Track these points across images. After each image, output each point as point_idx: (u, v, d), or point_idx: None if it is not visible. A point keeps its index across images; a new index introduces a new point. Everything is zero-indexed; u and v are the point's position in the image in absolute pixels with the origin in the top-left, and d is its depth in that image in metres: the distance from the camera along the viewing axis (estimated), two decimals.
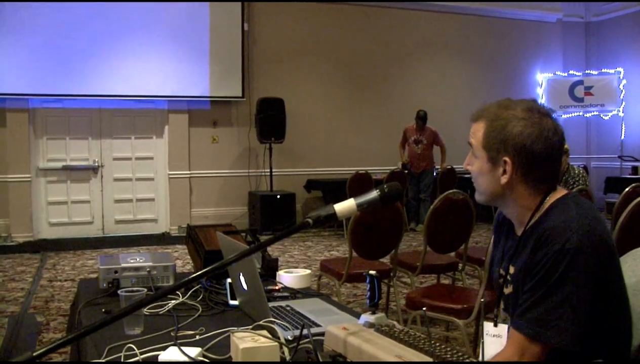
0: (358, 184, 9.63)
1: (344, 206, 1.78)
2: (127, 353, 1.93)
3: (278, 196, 10.39)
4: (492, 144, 1.85)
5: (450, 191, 4.97)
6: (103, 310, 2.53)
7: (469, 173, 1.98)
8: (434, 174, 10.82)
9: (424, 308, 2.36)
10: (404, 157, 10.79)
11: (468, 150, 1.96)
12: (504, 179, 1.85)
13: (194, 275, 1.51)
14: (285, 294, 2.76)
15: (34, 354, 1.23)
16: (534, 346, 1.72)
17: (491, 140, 1.86)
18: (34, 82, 9.78)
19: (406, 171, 10.67)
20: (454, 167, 10.65)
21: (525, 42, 13.20)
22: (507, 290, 1.92)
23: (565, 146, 4.99)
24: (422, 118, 10.54)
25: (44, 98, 10.00)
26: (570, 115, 13.50)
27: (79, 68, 9.94)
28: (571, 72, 13.58)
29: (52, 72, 9.84)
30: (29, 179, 9.97)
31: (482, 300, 2.99)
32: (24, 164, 9.93)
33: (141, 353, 1.93)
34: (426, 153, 10.72)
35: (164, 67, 10.36)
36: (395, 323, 1.90)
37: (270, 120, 10.49)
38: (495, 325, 2.00)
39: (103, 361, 1.94)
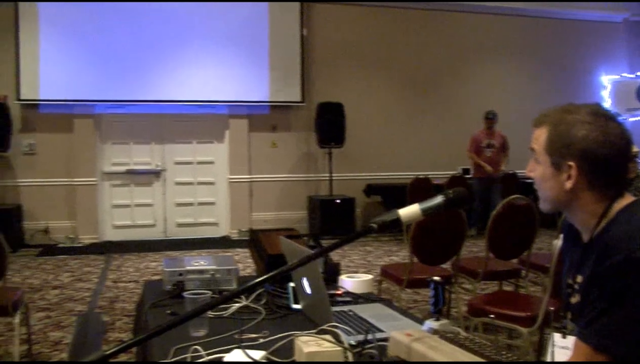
0: (418, 189, 9.58)
1: (409, 211, 1.77)
2: (194, 354, 1.96)
3: (337, 201, 10.40)
4: (555, 149, 1.82)
5: (513, 196, 4.91)
6: (168, 312, 2.57)
7: (532, 179, 1.95)
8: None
9: (492, 316, 2.33)
10: (487, 166, 10.13)
11: (530, 155, 1.93)
12: (568, 184, 1.81)
13: (260, 279, 1.52)
14: (348, 299, 2.76)
15: (107, 353, 1.26)
16: (600, 358, 1.67)
17: (555, 145, 1.82)
18: (99, 89, 10.03)
19: (468, 176, 10.56)
20: (516, 171, 10.49)
21: (589, 43, 12.86)
22: (574, 300, 1.88)
23: (635, 149, 4.87)
24: (494, 116, 10.17)
25: (109, 104, 10.24)
26: (638, 118, 13.15)
27: (142, 75, 10.17)
28: (638, 73, 13.22)
29: (116, 79, 10.09)
30: (94, 182, 10.23)
31: (551, 308, 2.93)
32: (90, 168, 10.19)
33: (206, 355, 1.96)
34: (498, 158, 10.26)
35: (224, 72, 10.49)
36: (459, 329, 1.88)
37: (330, 125, 10.51)
38: (564, 337, 1.96)
39: (171, 361, 1.97)
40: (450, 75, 11.89)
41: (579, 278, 1.84)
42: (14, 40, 9.74)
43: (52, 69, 9.85)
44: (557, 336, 1.98)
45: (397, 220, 1.74)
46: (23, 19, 9.75)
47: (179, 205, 10.74)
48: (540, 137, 1.87)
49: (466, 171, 10.95)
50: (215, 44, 10.46)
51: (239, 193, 10.79)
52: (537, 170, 1.89)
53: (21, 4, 9.73)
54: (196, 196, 10.81)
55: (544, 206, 1.92)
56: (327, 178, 10.75)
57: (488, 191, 10.21)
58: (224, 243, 10.13)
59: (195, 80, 10.32)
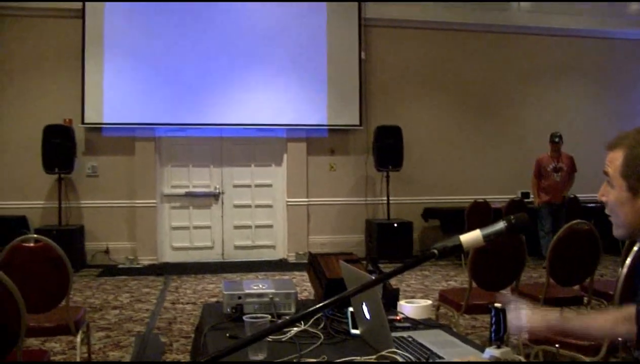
0: (476, 213, 9.48)
1: (470, 237, 1.75)
2: None
3: (395, 225, 10.35)
4: (632, 172, 1.77)
5: (575, 221, 4.82)
6: (228, 335, 2.58)
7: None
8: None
9: (557, 345, 2.29)
10: (537, 197, 9.92)
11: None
12: None
13: (321, 304, 1.52)
14: (407, 324, 2.73)
15: None
16: None
17: (632, 169, 1.77)
18: (160, 112, 10.24)
19: (527, 200, 10.39)
20: (578, 196, 10.28)
21: None
22: None
23: None
24: (560, 139, 9.73)
25: (169, 127, 10.43)
26: None
27: (201, 99, 10.33)
28: None
29: (176, 103, 10.28)
30: (154, 204, 10.39)
31: (619, 338, 2.84)
32: (150, 190, 10.36)
33: None
34: (566, 182, 9.83)
35: (283, 96, 10.57)
36: (521, 358, 1.85)
37: (388, 148, 10.48)
38: None
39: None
40: (509, 97, 11.76)
41: None
42: (80, 67, 10.03)
43: (115, 93, 10.10)
44: None
45: (459, 246, 1.72)
46: (89, 45, 10.05)
47: (237, 227, 10.82)
48: (615, 160, 1.82)
49: (525, 195, 10.78)
50: (274, 68, 10.57)
51: (296, 216, 10.83)
52: (610, 195, 1.84)
53: (88, 33, 10.03)
54: (254, 219, 10.89)
55: (617, 232, 1.87)
56: (385, 201, 10.71)
57: (556, 217, 9.76)
58: (281, 266, 10.16)
59: (254, 103, 10.43)
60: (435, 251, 1.69)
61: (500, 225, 1.77)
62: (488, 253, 4.51)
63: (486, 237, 1.75)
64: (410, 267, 1.73)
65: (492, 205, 9.87)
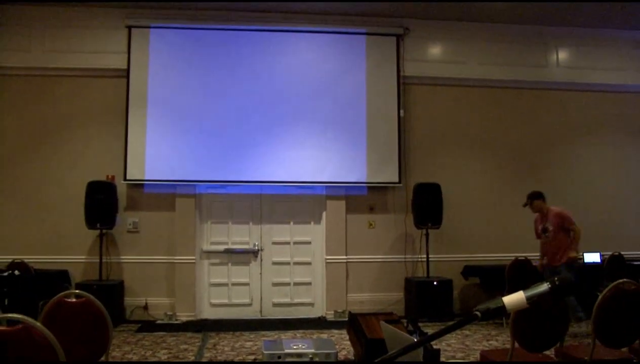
0: (517, 271, 9.35)
1: (513, 299, 1.73)
2: None
3: (435, 283, 10.23)
4: None
5: (620, 280, 4.72)
6: None
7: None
8: (574, 267, 8.83)
9: None
10: (540, 259, 9.21)
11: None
12: None
13: None
14: None
15: None
16: None
17: None
18: (200, 170, 10.37)
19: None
20: (622, 253, 10.07)
21: None
22: None
23: None
24: (527, 199, 9.07)
25: (210, 184, 10.55)
26: None
27: (241, 156, 10.43)
28: None
29: (216, 160, 10.41)
30: (193, 261, 10.44)
31: None
32: (189, 246, 10.43)
33: None
34: (557, 243, 8.85)
35: (322, 153, 10.64)
36: None
37: (427, 206, 10.45)
38: None
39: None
40: (549, 154, 11.66)
41: None
42: (123, 124, 10.28)
43: (157, 151, 10.29)
44: None
45: (502, 308, 1.70)
46: (132, 104, 10.31)
47: (276, 284, 10.80)
48: None
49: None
50: (314, 126, 10.67)
51: (335, 273, 10.77)
52: None
53: (132, 92, 10.29)
54: (292, 276, 10.86)
55: None
56: (424, 259, 10.62)
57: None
58: (319, 323, 10.06)
59: (294, 161, 10.52)
60: (478, 313, 1.67)
61: (544, 286, 1.74)
62: (530, 313, 4.43)
63: (529, 299, 1.73)
64: (453, 329, 1.71)
65: (533, 263, 9.70)
